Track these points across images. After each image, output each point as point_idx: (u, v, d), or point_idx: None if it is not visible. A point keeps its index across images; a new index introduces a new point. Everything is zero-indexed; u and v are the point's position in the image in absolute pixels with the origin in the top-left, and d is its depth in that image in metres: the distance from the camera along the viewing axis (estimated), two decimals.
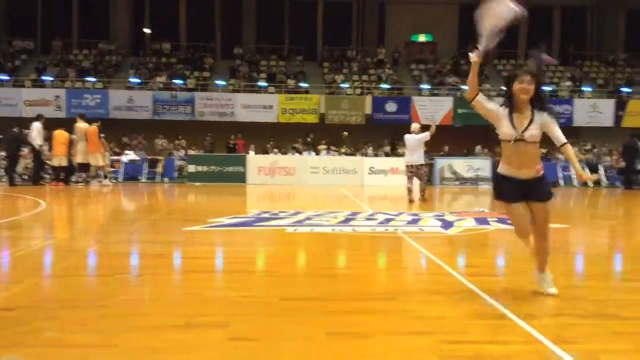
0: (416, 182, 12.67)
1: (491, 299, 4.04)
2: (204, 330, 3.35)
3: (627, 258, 6.38)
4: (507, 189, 4.07)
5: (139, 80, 24.57)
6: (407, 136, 12.55)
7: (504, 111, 3.99)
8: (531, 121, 3.92)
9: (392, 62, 28.38)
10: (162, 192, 15.91)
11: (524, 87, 3.87)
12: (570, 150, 4.09)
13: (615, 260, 6.25)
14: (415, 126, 12.62)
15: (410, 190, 12.52)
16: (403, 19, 29.10)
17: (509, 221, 4.35)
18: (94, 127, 16.52)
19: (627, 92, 26.09)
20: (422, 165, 12.66)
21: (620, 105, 24.95)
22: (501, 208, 4.23)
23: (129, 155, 19.88)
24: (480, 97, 4.01)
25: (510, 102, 3.96)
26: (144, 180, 19.25)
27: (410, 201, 12.18)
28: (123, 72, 25.80)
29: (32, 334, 3.23)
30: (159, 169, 19.60)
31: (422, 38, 29.61)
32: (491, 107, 4.05)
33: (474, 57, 3.90)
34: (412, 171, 12.53)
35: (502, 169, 4.11)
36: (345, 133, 21.85)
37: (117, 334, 3.27)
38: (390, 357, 2.96)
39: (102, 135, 16.82)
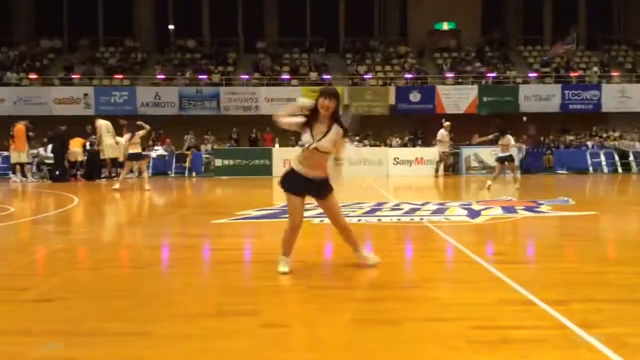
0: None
1: (518, 286, 4.05)
2: (235, 318, 3.44)
3: None
4: (293, 182, 4.45)
5: (164, 77, 24.89)
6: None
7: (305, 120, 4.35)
8: (327, 133, 4.30)
9: (416, 51, 28.18)
10: (190, 187, 16.14)
11: (325, 104, 4.25)
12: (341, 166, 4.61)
13: None
14: (447, 124, 17.74)
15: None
16: (425, 7, 28.80)
17: (287, 211, 4.63)
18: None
19: None
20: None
21: None
22: (286, 199, 4.52)
23: (158, 151, 20.21)
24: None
25: (314, 114, 4.31)
26: (172, 175, 19.54)
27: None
28: (149, 68, 26.16)
29: (71, 323, 3.37)
30: (187, 163, 19.87)
31: (445, 26, 29.27)
32: (296, 121, 4.40)
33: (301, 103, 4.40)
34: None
35: (295, 165, 4.47)
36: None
37: (150, 322, 3.38)
38: (417, 342, 3.01)
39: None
